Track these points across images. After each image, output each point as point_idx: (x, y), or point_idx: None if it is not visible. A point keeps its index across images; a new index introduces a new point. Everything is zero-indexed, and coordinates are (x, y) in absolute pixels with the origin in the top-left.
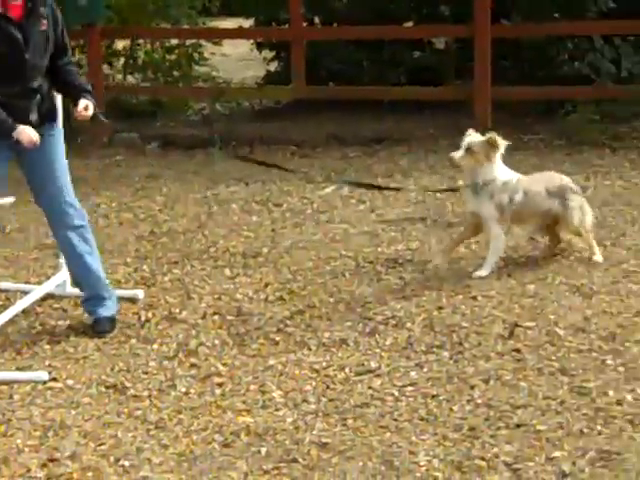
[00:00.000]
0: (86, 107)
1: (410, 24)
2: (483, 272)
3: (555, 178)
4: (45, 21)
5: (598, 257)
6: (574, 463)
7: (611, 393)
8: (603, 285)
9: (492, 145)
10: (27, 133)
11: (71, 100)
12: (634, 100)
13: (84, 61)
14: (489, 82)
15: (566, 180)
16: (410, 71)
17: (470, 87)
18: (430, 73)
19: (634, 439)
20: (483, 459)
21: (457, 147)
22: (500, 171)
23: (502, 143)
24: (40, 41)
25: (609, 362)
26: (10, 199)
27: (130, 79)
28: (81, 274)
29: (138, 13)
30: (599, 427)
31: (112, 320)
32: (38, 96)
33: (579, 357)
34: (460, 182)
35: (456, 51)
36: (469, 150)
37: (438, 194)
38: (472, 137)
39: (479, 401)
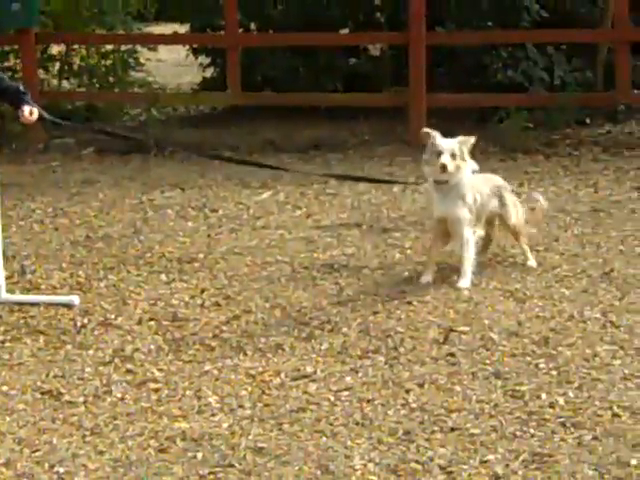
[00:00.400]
0: (31, 112)
1: (346, 31)
2: (466, 282)
3: (493, 179)
4: None
5: (532, 262)
6: (507, 465)
7: (544, 396)
8: (536, 290)
9: (467, 145)
10: None
11: (12, 106)
12: (566, 108)
13: (19, 66)
14: (424, 89)
15: (501, 180)
16: (346, 78)
17: (405, 94)
18: (365, 80)
19: (566, 441)
20: (418, 462)
21: (393, 155)
22: (468, 172)
23: (472, 141)
24: None
25: (542, 366)
26: None
27: (65, 84)
28: None
29: (73, 18)
30: (532, 430)
31: None
32: None
33: (512, 361)
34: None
35: (391, 58)
36: (453, 155)
37: (373, 199)
38: (448, 141)
39: (414, 405)
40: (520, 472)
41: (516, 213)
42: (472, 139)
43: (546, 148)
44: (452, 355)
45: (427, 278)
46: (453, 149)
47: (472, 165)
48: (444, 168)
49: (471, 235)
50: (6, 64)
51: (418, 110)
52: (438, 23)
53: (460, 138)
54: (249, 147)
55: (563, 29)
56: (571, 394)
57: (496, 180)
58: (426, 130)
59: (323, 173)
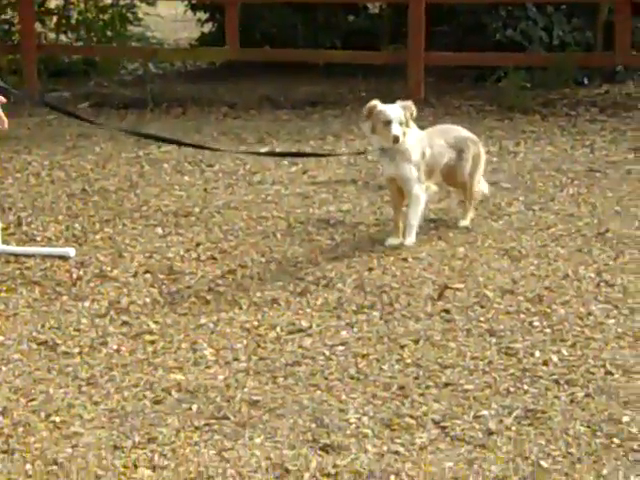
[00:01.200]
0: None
1: None
2: (411, 239)
3: (453, 131)
4: None
5: (465, 222)
6: (501, 421)
7: (537, 354)
8: (531, 248)
9: (411, 112)
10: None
11: None
12: (565, 68)
13: (16, 19)
14: (422, 47)
15: (464, 133)
16: (344, 35)
17: (404, 52)
18: (364, 37)
19: (559, 398)
20: (412, 417)
21: None
22: (411, 132)
23: (414, 108)
24: None
25: (536, 324)
26: None
27: (63, 38)
28: None
29: None
30: (525, 387)
31: None
32: None
33: (507, 319)
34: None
35: (390, 16)
36: (400, 123)
37: (369, 156)
38: (395, 110)
39: (408, 361)
40: (513, 428)
41: (471, 170)
42: (412, 104)
43: (543, 108)
44: (447, 312)
45: (392, 241)
46: (400, 117)
47: (414, 131)
48: (396, 139)
49: (421, 192)
50: (3, 17)
51: (416, 68)
52: None
53: (401, 103)
54: (246, 103)
55: None
56: (565, 352)
57: (460, 132)
58: (372, 103)
59: (263, 152)
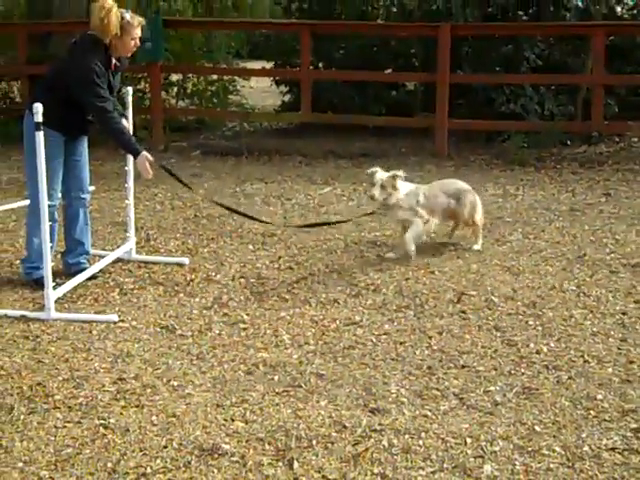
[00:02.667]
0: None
1: (389, 71)
2: (412, 247)
3: (451, 184)
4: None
5: (477, 246)
6: (504, 395)
7: (532, 345)
8: (527, 267)
9: (395, 178)
10: (147, 161)
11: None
12: (553, 132)
13: (147, 89)
14: (446, 116)
15: (461, 185)
16: (388, 105)
17: (432, 118)
18: (402, 107)
19: (548, 379)
20: (437, 390)
21: (422, 164)
22: (402, 189)
23: (401, 175)
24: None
25: (531, 322)
26: (92, 188)
27: (181, 103)
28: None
29: (189, 55)
30: (523, 370)
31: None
32: None
33: (509, 318)
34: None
35: (423, 92)
36: (382, 186)
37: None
38: (380, 174)
39: (435, 348)
40: (514, 400)
41: (470, 211)
42: (401, 172)
43: (537, 162)
44: (463, 312)
45: (391, 255)
46: (383, 182)
47: (406, 188)
48: (371, 197)
49: (419, 223)
50: (138, 87)
51: (442, 131)
52: (459, 67)
53: (392, 172)
54: (315, 154)
55: (553, 74)
56: (552, 344)
57: (459, 185)
58: (372, 169)
59: (288, 225)
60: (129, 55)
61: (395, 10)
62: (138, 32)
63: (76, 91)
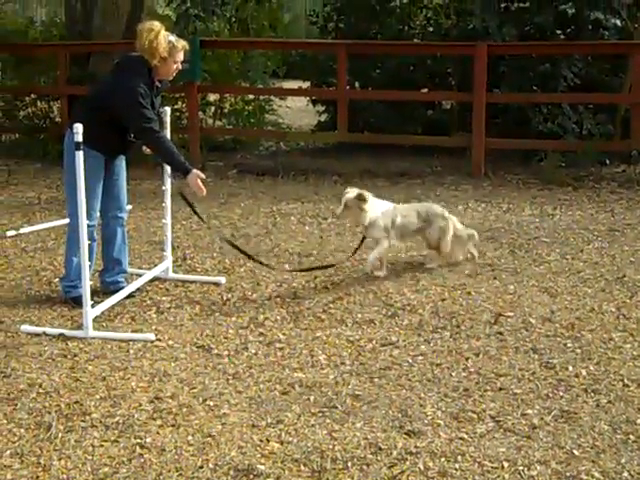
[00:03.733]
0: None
1: (425, 90)
2: (367, 267)
3: (426, 207)
4: None
5: (432, 265)
6: (542, 419)
7: (570, 368)
8: (565, 288)
9: (361, 199)
10: (198, 178)
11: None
12: (591, 152)
13: (184, 109)
14: (483, 135)
15: (435, 208)
16: (424, 124)
17: (469, 138)
18: (439, 126)
19: (587, 403)
20: (474, 412)
21: (458, 183)
22: (376, 209)
23: (368, 196)
24: None
25: (569, 345)
26: (129, 207)
27: (218, 123)
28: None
29: (225, 75)
30: (561, 393)
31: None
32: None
33: (546, 340)
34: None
35: (459, 111)
36: (346, 206)
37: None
38: (348, 194)
39: (471, 369)
40: (552, 424)
41: (438, 236)
42: (367, 193)
43: (574, 182)
44: (500, 333)
45: (380, 273)
46: (347, 202)
47: (383, 207)
48: (333, 214)
49: (385, 241)
50: (175, 107)
51: (478, 150)
52: (495, 86)
53: (357, 193)
54: (351, 173)
55: (591, 93)
56: (592, 367)
57: (434, 209)
58: (346, 189)
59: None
60: (170, 78)
61: (432, 30)
62: (181, 56)
63: (122, 113)
